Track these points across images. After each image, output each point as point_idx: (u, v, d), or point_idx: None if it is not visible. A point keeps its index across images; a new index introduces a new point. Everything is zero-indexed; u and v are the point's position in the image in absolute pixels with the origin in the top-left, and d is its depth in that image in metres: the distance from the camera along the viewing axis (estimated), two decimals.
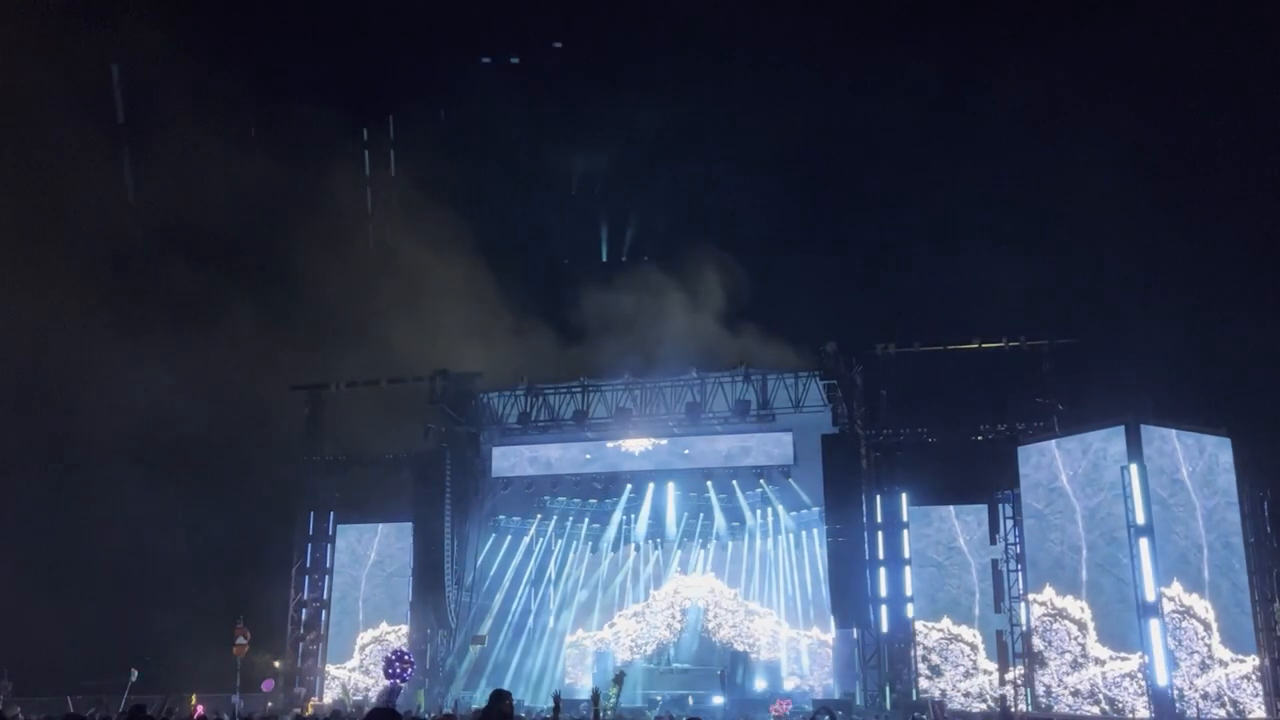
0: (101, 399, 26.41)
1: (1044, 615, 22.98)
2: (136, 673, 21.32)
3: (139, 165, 28.77)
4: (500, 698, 9.27)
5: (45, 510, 27.57)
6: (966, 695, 24.67)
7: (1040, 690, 22.65)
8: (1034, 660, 23.01)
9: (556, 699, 12.16)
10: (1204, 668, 21.29)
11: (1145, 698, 21.02)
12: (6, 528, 26.19)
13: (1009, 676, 24.15)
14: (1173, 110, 28.33)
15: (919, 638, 25.40)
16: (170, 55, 27.87)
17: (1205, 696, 21.05)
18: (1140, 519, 21.63)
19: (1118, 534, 22.02)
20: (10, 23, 26.00)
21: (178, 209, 29.67)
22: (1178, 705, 20.74)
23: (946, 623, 25.26)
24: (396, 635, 28.26)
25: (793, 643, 29.53)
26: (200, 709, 20.87)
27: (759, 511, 30.23)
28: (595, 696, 11.72)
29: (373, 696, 26.39)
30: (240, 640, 22.84)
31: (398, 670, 21.56)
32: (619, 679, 25.53)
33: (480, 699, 24.66)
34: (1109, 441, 22.53)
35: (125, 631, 25.69)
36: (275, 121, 29.72)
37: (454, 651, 28.45)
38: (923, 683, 25.00)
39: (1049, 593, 22.96)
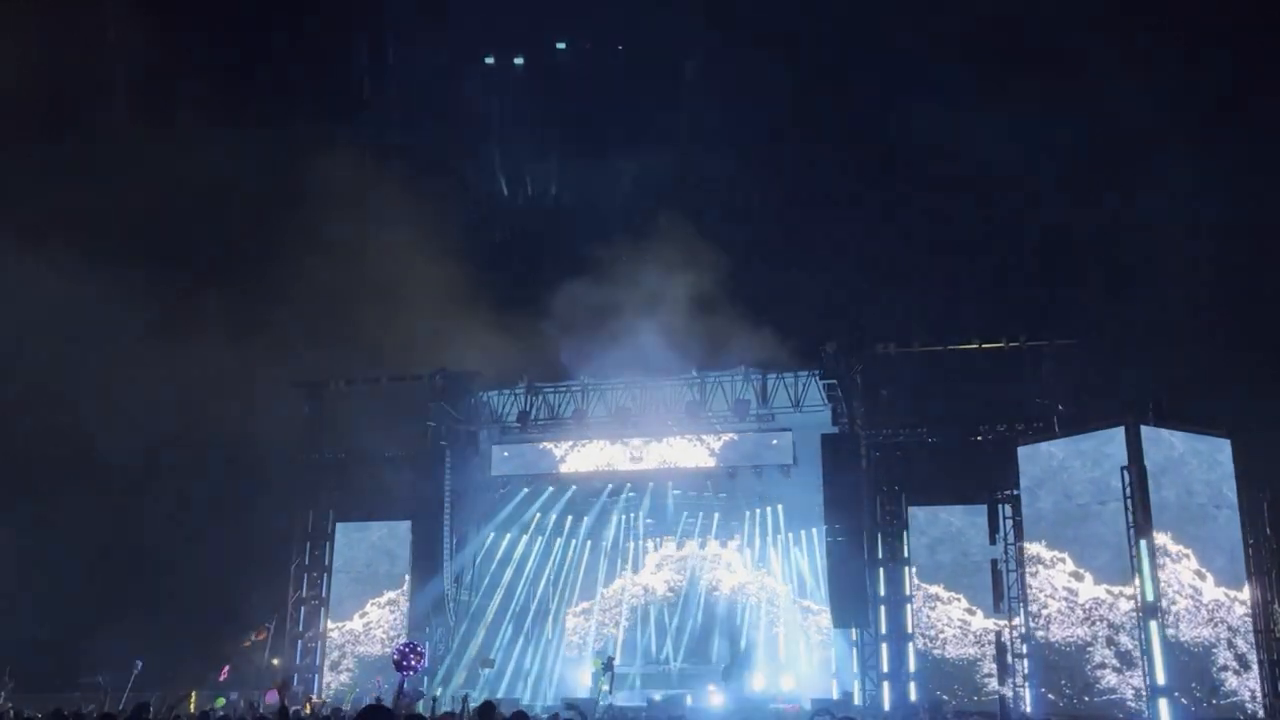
0: (100, 397, 26.40)
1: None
2: (140, 663, 21.39)
3: (133, 159, 28.73)
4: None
5: (46, 509, 27.58)
6: None
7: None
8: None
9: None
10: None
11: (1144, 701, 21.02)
12: (8, 527, 26.19)
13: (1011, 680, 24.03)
14: (1175, 108, 28.30)
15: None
16: (168, 47, 27.86)
17: None
18: (1139, 519, 21.60)
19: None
20: None
21: (176, 205, 29.64)
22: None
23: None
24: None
25: (792, 642, 29.58)
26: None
27: (758, 511, 30.23)
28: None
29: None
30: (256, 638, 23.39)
31: (412, 664, 21.34)
32: (609, 665, 25.62)
33: (479, 698, 24.62)
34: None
35: (126, 629, 25.70)
36: (272, 116, 29.65)
37: (453, 650, 28.45)
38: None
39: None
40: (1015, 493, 24.24)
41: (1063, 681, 22.51)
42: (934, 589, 25.41)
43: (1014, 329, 25.56)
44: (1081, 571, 22.55)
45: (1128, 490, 21.74)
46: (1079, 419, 23.78)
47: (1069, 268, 28.98)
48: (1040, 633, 23.04)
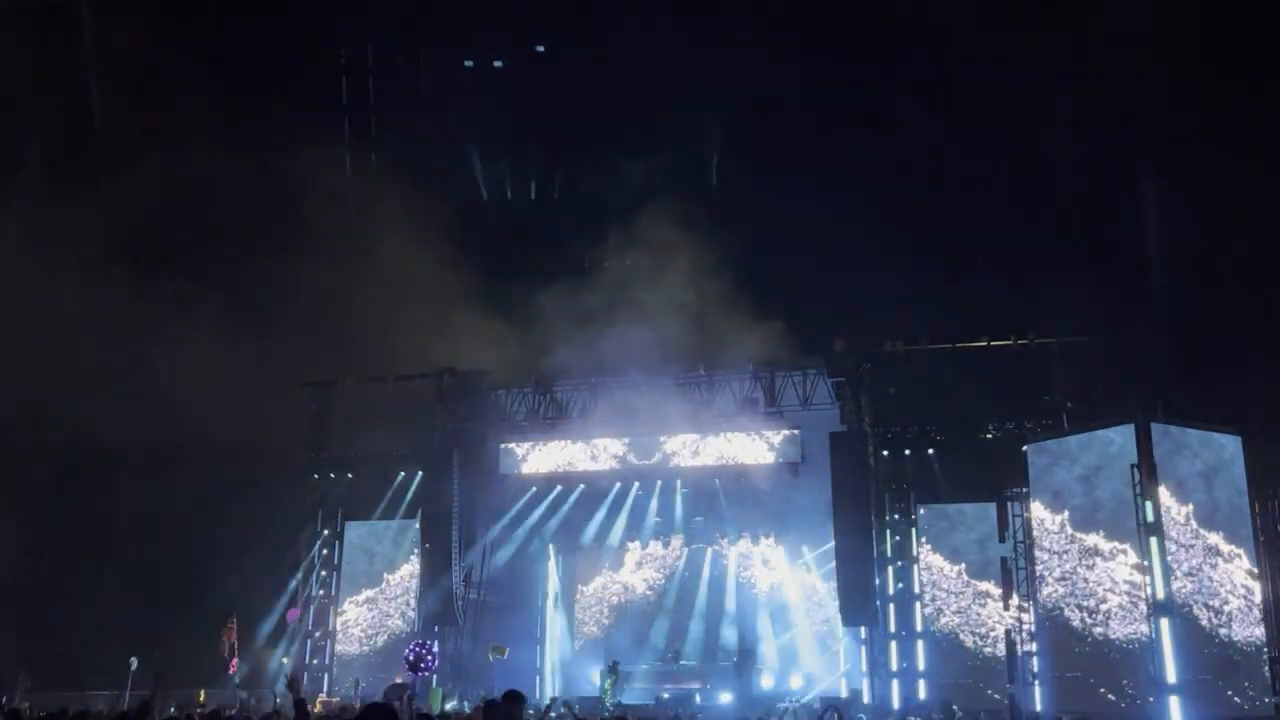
0: (109, 397, 26.43)
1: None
2: (135, 660, 21.54)
3: (134, 158, 28.75)
4: (514, 699, 9.23)
5: (53, 508, 27.66)
6: None
7: None
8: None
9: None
10: None
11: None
12: (23, 528, 26.30)
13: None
14: (1182, 108, 28.19)
15: None
16: (164, 49, 27.87)
17: None
18: (1150, 517, 21.56)
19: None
20: None
21: (180, 204, 29.66)
22: None
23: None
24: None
25: (802, 640, 29.56)
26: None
27: (766, 509, 30.19)
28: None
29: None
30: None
31: (429, 663, 21.26)
32: (614, 669, 25.71)
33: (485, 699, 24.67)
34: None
35: (135, 628, 25.80)
36: (273, 116, 29.64)
37: (461, 649, 28.48)
38: None
39: None
40: (1024, 490, 24.24)
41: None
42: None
43: (1023, 326, 25.53)
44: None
45: (1137, 488, 21.74)
46: (1089, 416, 23.76)
47: (1078, 264, 28.87)
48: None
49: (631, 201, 31.53)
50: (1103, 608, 22.42)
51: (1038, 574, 23.61)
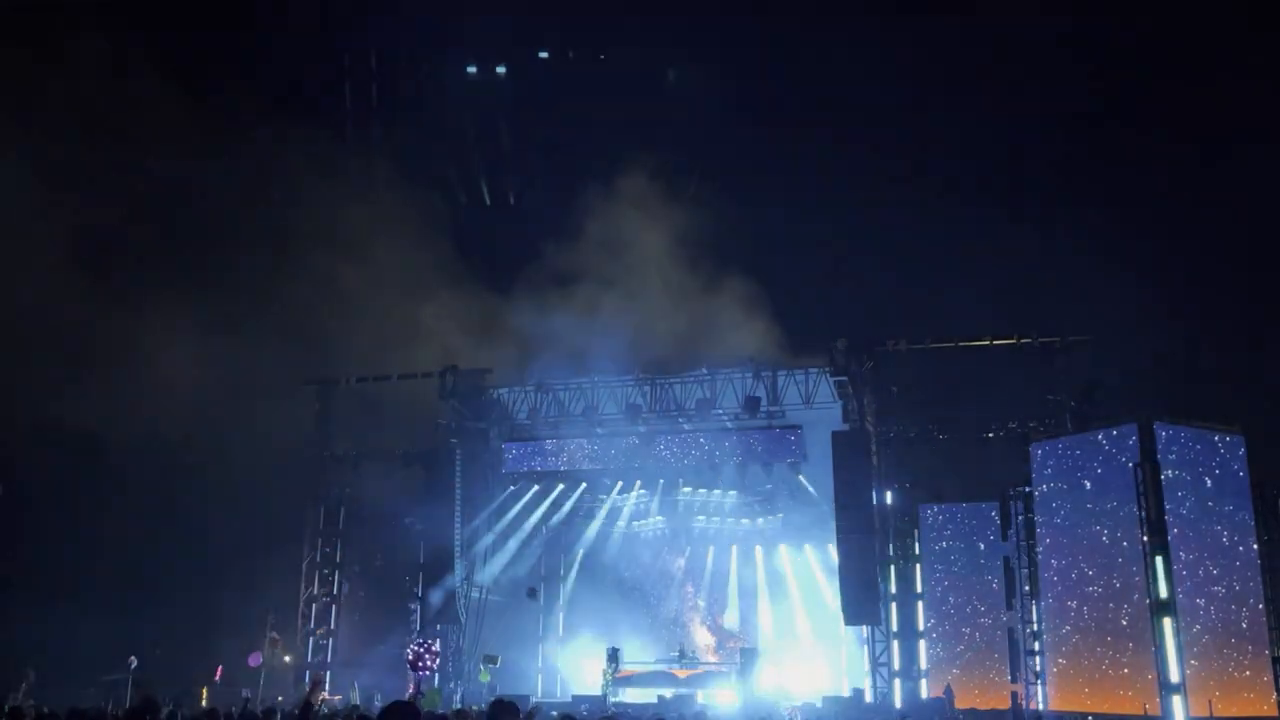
0: (113, 396, 26.48)
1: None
2: (134, 660, 21.62)
3: (138, 158, 28.79)
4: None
5: (63, 508, 27.70)
6: None
7: None
8: None
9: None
10: None
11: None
12: (28, 527, 26.32)
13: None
14: (1185, 113, 28.16)
15: None
16: (173, 53, 27.92)
17: None
18: (1153, 517, 21.49)
19: None
20: None
21: (183, 206, 29.71)
22: None
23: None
24: None
25: (804, 640, 29.55)
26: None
27: (768, 508, 30.20)
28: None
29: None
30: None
31: (427, 663, 21.27)
32: (615, 656, 25.78)
33: (487, 696, 24.70)
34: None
35: (140, 627, 25.85)
36: (279, 117, 29.68)
37: (464, 648, 28.49)
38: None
39: None
40: (1027, 489, 24.19)
41: None
42: None
43: (1026, 325, 25.49)
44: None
45: (1140, 488, 21.66)
46: (1092, 416, 23.71)
47: (1081, 263, 28.88)
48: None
49: (635, 202, 31.56)
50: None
51: None
